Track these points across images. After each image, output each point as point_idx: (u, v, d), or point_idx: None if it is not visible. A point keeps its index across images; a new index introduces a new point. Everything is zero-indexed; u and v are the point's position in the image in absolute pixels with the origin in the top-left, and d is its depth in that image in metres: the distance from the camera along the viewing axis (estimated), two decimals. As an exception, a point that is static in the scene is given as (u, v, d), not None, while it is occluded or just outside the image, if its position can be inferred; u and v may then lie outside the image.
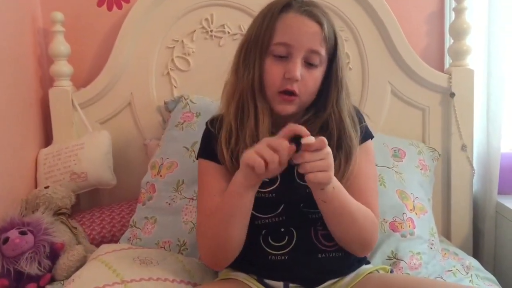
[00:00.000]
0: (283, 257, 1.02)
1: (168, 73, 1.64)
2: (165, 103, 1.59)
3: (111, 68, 1.61)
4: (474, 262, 1.37)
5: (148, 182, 1.42)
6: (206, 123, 1.13)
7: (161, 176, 1.40)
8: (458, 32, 1.56)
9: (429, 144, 1.61)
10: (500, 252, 1.58)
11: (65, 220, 1.39)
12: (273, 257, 1.02)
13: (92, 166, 1.51)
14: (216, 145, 1.04)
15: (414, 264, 1.25)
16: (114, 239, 1.43)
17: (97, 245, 1.36)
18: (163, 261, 1.15)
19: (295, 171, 1.00)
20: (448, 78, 1.58)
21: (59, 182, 1.50)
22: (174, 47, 1.63)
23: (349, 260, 1.05)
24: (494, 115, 1.56)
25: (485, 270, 1.34)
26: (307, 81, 0.99)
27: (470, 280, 1.26)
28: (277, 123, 1.01)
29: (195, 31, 1.62)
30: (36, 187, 1.53)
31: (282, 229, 1.03)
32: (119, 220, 1.48)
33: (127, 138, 1.65)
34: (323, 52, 0.99)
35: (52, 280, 1.25)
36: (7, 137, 1.42)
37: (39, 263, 1.23)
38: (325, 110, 1.03)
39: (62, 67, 1.59)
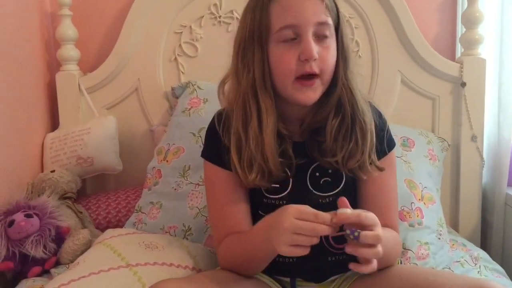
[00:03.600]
0: (291, 260, 0.98)
1: (175, 58, 1.63)
2: (172, 89, 1.58)
3: (118, 53, 1.60)
4: (482, 254, 1.36)
5: (154, 167, 1.42)
6: (213, 117, 1.05)
7: (167, 161, 1.40)
8: (471, 21, 1.54)
9: (438, 134, 1.59)
10: (509, 244, 1.57)
11: (70, 204, 1.39)
12: (281, 259, 0.98)
13: (98, 151, 1.51)
14: (220, 146, 0.98)
15: (422, 254, 1.24)
16: (120, 224, 1.43)
17: (103, 230, 1.36)
18: (168, 246, 1.14)
19: (308, 177, 0.97)
20: (459, 67, 1.56)
21: (65, 166, 1.49)
22: (182, 32, 1.61)
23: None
24: (505, 106, 1.53)
25: (493, 262, 1.33)
26: (324, 56, 0.91)
27: (478, 271, 1.25)
28: (286, 120, 0.96)
29: (203, 16, 1.60)
30: (42, 171, 1.52)
31: None
32: (124, 205, 1.48)
33: (133, 123, 1.64)
34: (330, 21, 0.92)
35: (57, 263, 1.26)
36: (14, 121, 1.41)
37: (44, 246, 1.23)
38: (335, 86, 0.94)
39: (69, 51, 1.58)
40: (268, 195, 0.95)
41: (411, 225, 1.27)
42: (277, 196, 0.97)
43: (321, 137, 0.96)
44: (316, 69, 0.90)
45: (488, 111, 1.59)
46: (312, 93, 0.92)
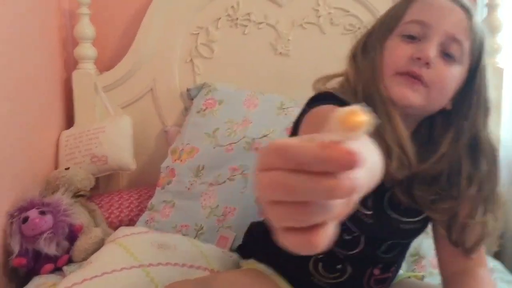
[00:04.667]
0: (325, 285, 0.93)
1: (191, 60, 1.63)
2: (187, 90, 1.58)
3: (135, 53, 1.60)
4: (497, 265, 1.34)
5: (168, 166, 1.42)
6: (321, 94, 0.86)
7: (181, 161, 1.40)
8: (490, 29, 1.52)
9: (454, 142, 1.57)
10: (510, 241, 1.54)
11: (84, 202, 1.39)
12: (315, 280, 0.93)
13: (113, 149, 1.51)
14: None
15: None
16: (132, 223, 1.43)
17: (115, 229, 1.35)
18: (181, 246, 1.14)
19: (385, 197, 0.87)
20: (477, 76, 1.54)
21: (79, 164, 1.50)
22: (198, 33, 1.61)
23: None
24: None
25: (508, 273, 1.31)
26: (441, 72, 0.80)
27: (493, 283, 1.23)
28: None
29: (220, 18, 1.60)
30: (56, 168, 1.53)
31: (339, 266, 0.92)
32: (137, 204, 1.48)
33: (147, 124, 1.64)
34: (466, 44, 0.81)
35: (70, 261, 1.25)
36: (30, 118, 1.42)
37: (57, 244, 1.23)
38: (471, 137, 0.83)
39: (87, 50, 1.59)
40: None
41: (426, 232, 1.25)
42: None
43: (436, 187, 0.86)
44: (424, 75, 0.80)
45: (505, 121, 1.56)
46: (412, 94, 0.80)
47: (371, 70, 0.84)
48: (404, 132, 0.79)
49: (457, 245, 0.87)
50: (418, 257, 1.22)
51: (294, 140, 0.34)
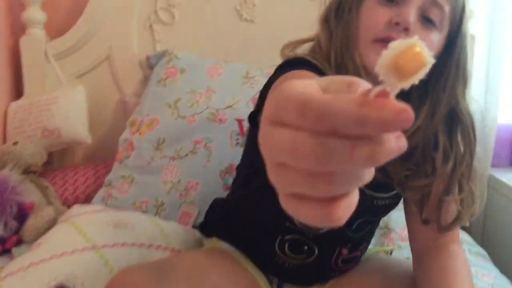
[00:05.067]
0: (290, 266, 0.89)
1: (151, 26, 1.52)
2: (147, 58, 1.49)
3: (89, 17, 1.48)
4: (465, 236, 1.32)
5: (126, 139, 1.34)
6: (294, 58, 0.81)
7: (140, 133, 1.32)
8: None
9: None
10: (490, 227, 1.54)
11: (35, 179, 1.30)
12: (280, 261, 0.88)
13: (66, 122, 1.41)
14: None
15: (406, 235, 1.18)
16: (89, 200, 1.34)
17: (70, 207, 1.27)
18: (139, 224, 1.07)
19: None
20: (448, 43, 1.50)
21: (29, 138, 1.39)
22: (158, -3, 1.51)
23: None
24: (493, 84, 1.49)
25: (476, 245, 1.30)
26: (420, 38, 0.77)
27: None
28: None
29: (181, -20, 1.50)
30: (4, 143, 1.42)
31: (306, 247, 0.87)
32: (94, 180, 1.39)
33: (104, 94, 1.54)
34: (447, 9, 0.76)
35: (19, 242, 1.17)
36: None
37: (5, 224, 1.14)
38: (444, 104, 0.78)
39: (35, 13, 1.45)
40: None
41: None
42: None
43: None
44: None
45: (474, 89, 1.54)
46: None
47: (345, 36, 0.78)
48: None
49: (427, 223, 0.84)
50: (387, 229, 1.19)
51: (321, 93, 0.27)
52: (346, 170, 0.27)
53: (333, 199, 0.28)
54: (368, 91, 0.27)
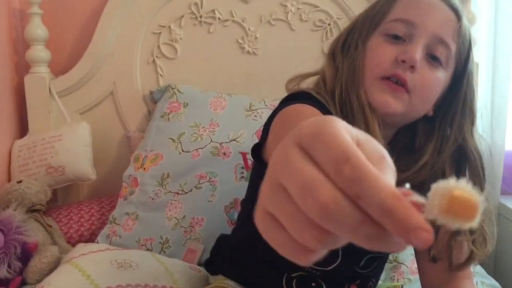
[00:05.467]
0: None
1: (153, 61, 1.53)
2: (150, 92, 1.50)
3: (92, 54, 1.49)
4: (478, 268, 1.29)
5: (130, 175, 1.33)
6: (298, 92, 0.81)
7: (144, 169, 1.31)
8: (463, 23, 1.47)
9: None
10: (501, 256, 1.51)
11: (39, 218, 1.29)
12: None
13: (70, 159, 1.40)
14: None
15: (416, 268, 1.16)
16: (93, 238, 1.33)
17: (75, 244, 1.25)
18: (143, 263, 1.06)
19: None
20: (451, 71, 1.49)
21: (34, 176, 1.39)
22: (160, 33, 1.52)
23: None
24: (498, 111, 1.48)
25: (489, 277, 1.26)
26: (425, 77, 0.74)
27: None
28: None
29: (183, 16, 1.51)
30: (9, 181, 1.41)
31: (313, 284, 0.85)
32: (98, 217, 1.38)
33: (108, 130, 1.54)
34: (453, 47, 0.76)
35: (23, 283, 1.15)
36: (-23, 127, 1.31)
37: (9, 265, 1.13)
38: (453, 141, 0.78)
39: (39, 52, 1.47)
40: None
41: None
42: None
43: None
44: (408, 80, 0.74)
45: (481, 116, 1.52)
46: (393, 102, 0.74)
47: (351, 72, 0.78)
48: (381, 141, 0.73)
49: (435, 261, 0.82)
50: (397, 263, 1.16)
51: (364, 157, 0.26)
52: (340, 235, 0.26)
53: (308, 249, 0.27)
54: (409, 193, 0.27)
